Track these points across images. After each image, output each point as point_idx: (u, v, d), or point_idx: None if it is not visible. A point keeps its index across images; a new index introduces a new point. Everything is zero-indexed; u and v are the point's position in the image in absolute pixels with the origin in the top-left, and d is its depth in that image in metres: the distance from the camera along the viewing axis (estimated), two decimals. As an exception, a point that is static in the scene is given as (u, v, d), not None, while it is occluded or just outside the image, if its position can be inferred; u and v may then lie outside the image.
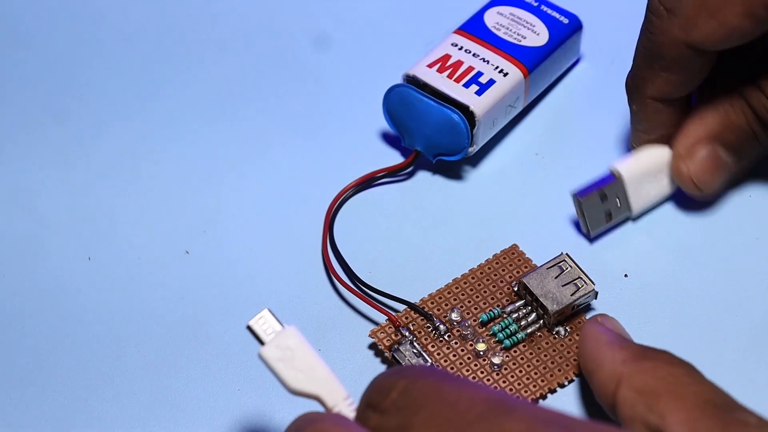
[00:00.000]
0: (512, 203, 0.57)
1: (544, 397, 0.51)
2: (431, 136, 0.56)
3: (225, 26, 0.65)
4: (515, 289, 0.53)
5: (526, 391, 0.50)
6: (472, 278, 0.53)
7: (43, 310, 0.54)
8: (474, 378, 0.51)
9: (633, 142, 0.55)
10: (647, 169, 0.55)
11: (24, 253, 0.56)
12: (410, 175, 0.59)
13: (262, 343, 0.44)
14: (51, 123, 0.60)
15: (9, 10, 0.65)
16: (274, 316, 0.44)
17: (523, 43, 0.58)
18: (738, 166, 0.54)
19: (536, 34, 0.58)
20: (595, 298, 0.52)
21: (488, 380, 0.51)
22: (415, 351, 0.51)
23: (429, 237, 0.56)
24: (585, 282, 0.52)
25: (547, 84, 0.59)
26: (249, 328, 0.44)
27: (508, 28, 0.58)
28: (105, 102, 0.61)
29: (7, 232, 0.56)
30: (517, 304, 0.53)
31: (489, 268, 0.54)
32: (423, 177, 0.59)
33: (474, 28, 0.59)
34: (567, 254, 0.52)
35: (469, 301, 0.53)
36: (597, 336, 0.46)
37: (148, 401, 0.51)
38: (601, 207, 0.54)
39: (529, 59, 0.57)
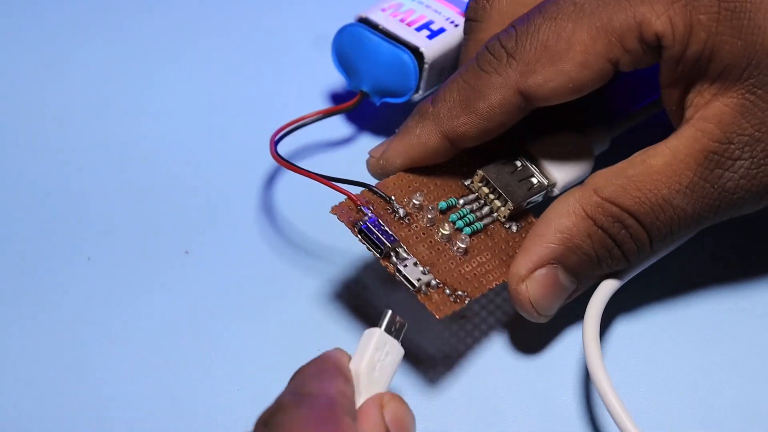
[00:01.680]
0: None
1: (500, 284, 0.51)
2: (379, 77, 0.57)
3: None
4: (470, 181, 0.53)
5: (490, 276, 0.50)
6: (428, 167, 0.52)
7: (43, 310, 0.54)
8: (440, 260, 0.50)
9: (380, 161, 0.52)
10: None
11: (24, 253, 0.56)
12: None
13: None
14: (51, 122, 0.61)
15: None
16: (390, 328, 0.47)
17: None
18: (577, 290, 0.51)
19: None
20: (549, 195, 0.53)
21: (452, 263, 0.50)
22: (382, 228, 0.49)
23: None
24: (541, 179, 0.52)
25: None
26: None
27: None
28: (104, 101, 0.62)
29: (8, 231, 0.57)
30: (470, 197, 0.52)
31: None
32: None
33: None
34: (522, 156, 0.53)
35: (425, 189, 0.52)
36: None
37: (148, 401, 0.50)
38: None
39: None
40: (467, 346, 0.53)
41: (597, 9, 0.47)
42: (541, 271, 0.49)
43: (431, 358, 0.52)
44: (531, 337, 0.52)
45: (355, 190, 0.50)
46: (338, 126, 0.60)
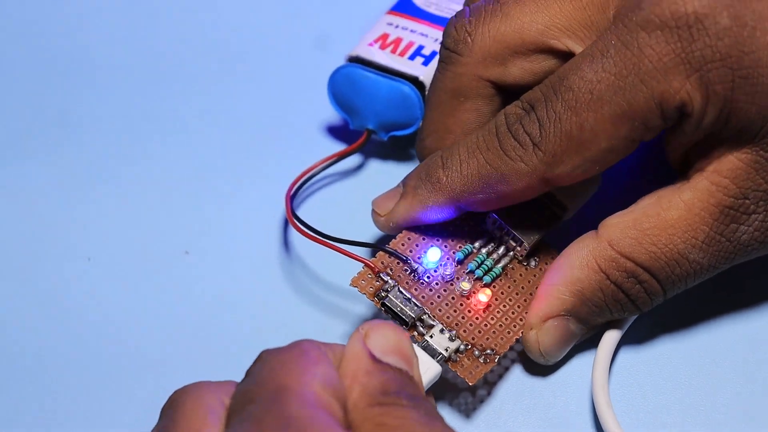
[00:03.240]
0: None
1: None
2: (383, 113, 0.56)
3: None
4: (484, 222, 0.52)
5: (515, 325, 0.50)
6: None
7: (43, 310, 0.54)
8: (464, 318, 0.49)
9: (389, 222, 0.51)
10: None
11: (24, 253, 0.56)
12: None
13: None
14: (51, 123, 0.61)
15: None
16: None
17: (455, 8, 0.57)
18: (586, 335, 0.51)
19: (466, 7, 0.57)
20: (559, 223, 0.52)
21: (477, 318, 0.50)
22: (404, 297, 0.49)
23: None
24: (553, 210, 0.51)
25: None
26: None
27: (438, 5, 0.58)
28: (106, 102, 0.62)
29: (7, 232, 0.57)
30: (484, 239, 0.52)
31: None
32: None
33: (405, 8, 0.58)
34: None
35: (438, 239, 0.51)
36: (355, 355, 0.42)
37: (148, 401, 0.49)
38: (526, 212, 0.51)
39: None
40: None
41: (615, 96, 0.46)
42: (552, 322, 0.49)
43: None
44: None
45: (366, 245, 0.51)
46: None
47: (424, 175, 0.50)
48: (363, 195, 0.54)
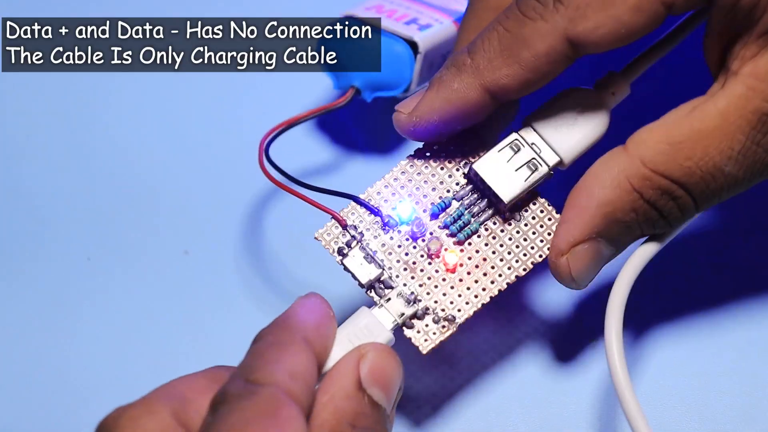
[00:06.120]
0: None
1: (501, 292, 0.47)
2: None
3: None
4: (465, 173, 0.48)
5: (484, 289, 0.47)
6: (419, 163, 0.49)
7: (42, 310, 0.54)
8: (429, 279, 0.47)
9: (413, 117, 0.48)
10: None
11: (24, 253, 0.56)
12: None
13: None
14: (51, 123, 0.61)
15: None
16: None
17: (452, 6, 0.57)
18: (614, 255, 0.48)
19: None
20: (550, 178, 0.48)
21: (443, 279, 0.47)
22: (365, 255, 0.47)
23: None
24: (539, 163, 0.48)
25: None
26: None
27: None
28: (105, 101, 0.62)
29: (8, 232, 0.57)
30: (467, 189, 0.48)
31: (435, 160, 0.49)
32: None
33: None
34: (519, 134, 0.48)
35: (412, 194, 0.48)
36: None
37: None
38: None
39: (459, 16, 0.55)
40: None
41: None
42: (583, 246, 0.46)
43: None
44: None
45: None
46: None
47: (450, 64, 0.47)
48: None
